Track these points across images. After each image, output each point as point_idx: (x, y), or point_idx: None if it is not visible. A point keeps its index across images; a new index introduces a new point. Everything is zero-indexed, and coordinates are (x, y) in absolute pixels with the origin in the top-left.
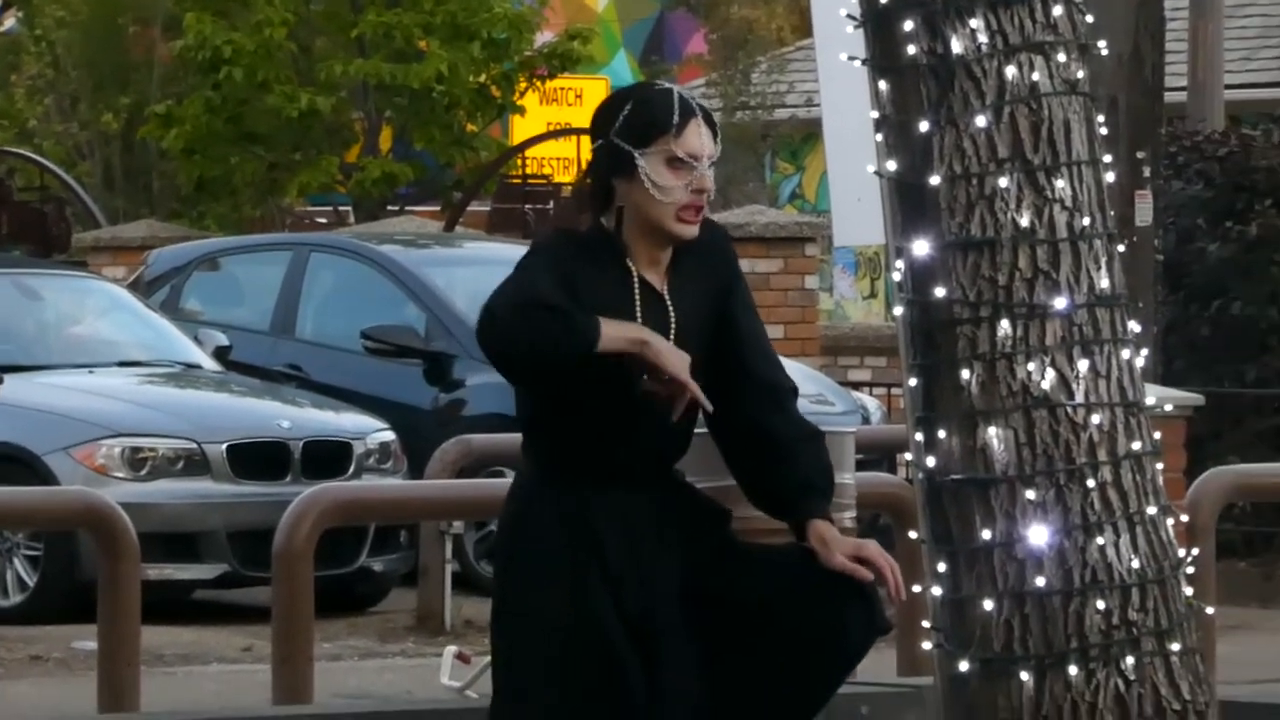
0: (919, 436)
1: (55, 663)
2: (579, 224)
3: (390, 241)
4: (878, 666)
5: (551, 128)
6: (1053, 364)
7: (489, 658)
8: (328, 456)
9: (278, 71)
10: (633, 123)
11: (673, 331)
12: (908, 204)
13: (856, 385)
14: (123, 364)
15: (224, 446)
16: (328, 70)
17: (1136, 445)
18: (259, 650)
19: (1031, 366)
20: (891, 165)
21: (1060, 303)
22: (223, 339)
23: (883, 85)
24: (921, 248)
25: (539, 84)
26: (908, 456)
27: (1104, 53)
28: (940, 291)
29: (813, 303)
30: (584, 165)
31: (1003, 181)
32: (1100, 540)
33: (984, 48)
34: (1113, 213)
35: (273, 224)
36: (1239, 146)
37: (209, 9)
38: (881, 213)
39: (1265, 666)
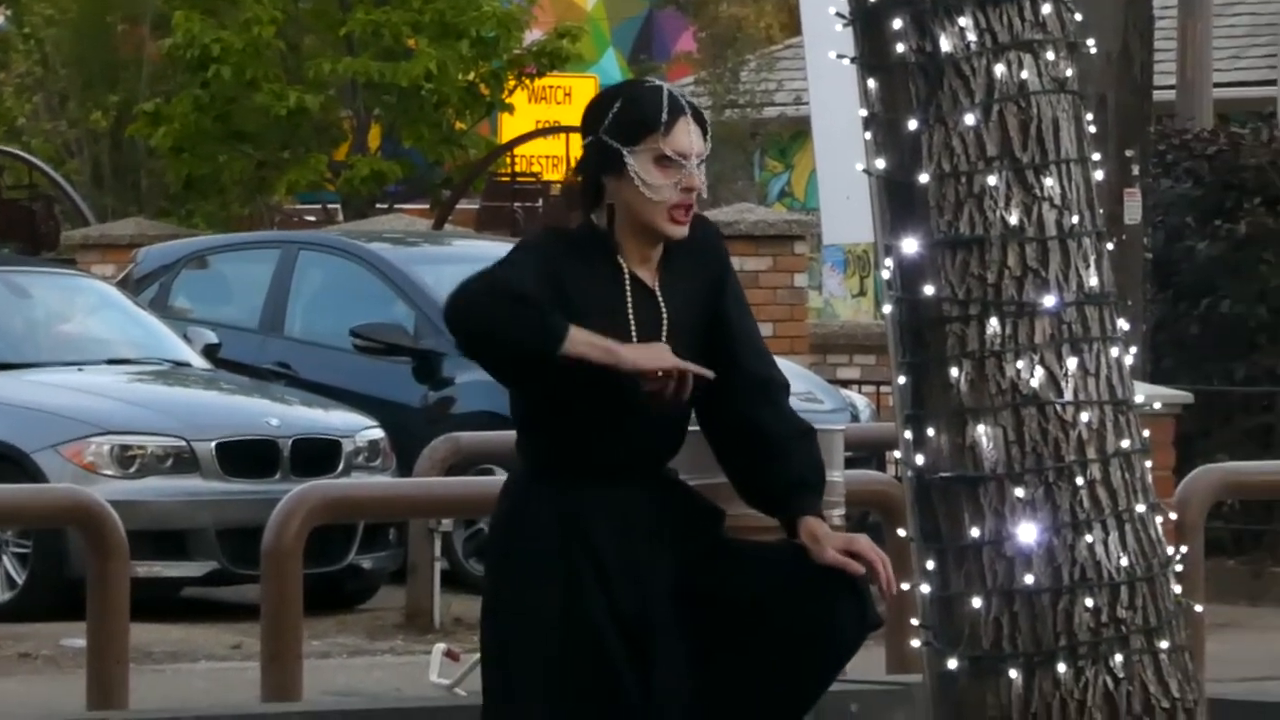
0: (908, 434)
1: (44, 660)
2: (569, 222)
3: (379, 239)
4: (867, 664)
5: (540, 126)
6: (1042, 362)
7: (478, 655)
8: (317, 454)
9: (266, 70)
10: (622, 121)
11: (665, 328)
12: (896, 202)
13: (845, 383)
14: (112, 362)
15: (213, 444)
16: (316, 68)
17: (1125, 443)
18: (248, 648)
19: (1020, 364)
20: (880, 163)
21: (1049, 301)
22: (212, 337)
23: (871, 83)
24: (910, 246)
25: (528, 82)
26: (897, 454)
27: (1093, 51)
28: (929, 289)
29: (802, 301)
30: (574, 163)
31: (991, 179)
32: (1089, 538)
33: (973, 46)
34: (1101, 211)
35: (261, 222)
36: (1228, 145)
37: (198, 7)
38: (870, 211)
39: (1254, 664)
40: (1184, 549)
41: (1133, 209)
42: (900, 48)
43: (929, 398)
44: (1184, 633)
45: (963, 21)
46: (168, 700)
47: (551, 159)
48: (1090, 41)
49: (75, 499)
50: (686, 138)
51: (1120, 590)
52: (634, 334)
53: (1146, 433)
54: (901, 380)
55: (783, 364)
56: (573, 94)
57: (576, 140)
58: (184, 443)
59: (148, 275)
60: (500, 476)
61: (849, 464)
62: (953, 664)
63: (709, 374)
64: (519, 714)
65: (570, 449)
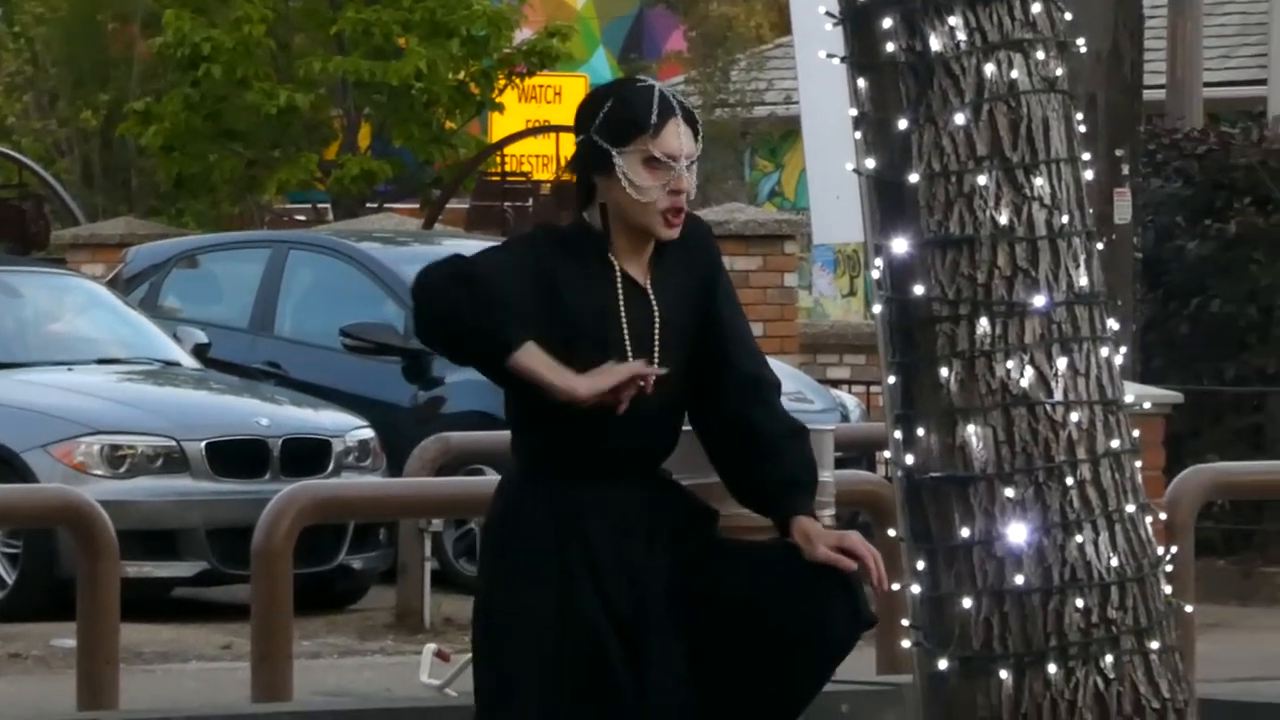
0: (898, 434)
1: (34, 660)
2: (559, 221)
3: (369, 239)
4: (857, 665)
5: (530, 125)
6: (1032, 362)
7: (469, 655)
8: (307, 454)
9: (257, 68)
10: (611, 121)
11: (657, 326)
12: (886, 202)
13: (835, 383)
14: (102, 361)
15: (203, 444)
16: (306, 67)
17: (1115, 443)
18: (238, 648)
19: (1010, 364)
20: (870, 163)
21: (1039, 300)
22: (202, 336)
23: (861, 83)
24: (900, 245)
25: (518, 81)
26: (887, 454)
27: (1083, 50)
28: (919, 289)
29: (792, 300)
30: (564, 162)
31: (981, 179)
32: (1079, 538)
33: (963, 45)
34: (1091, 210)
35: (251, 221)
36: (1218, 144)
37: (188, 6)
38: (860, 210)
39: (1244, 664)
40: (1174, 549)
41: (1123, 208)
42: (890, 47)
43: (919, 398)
44: (1174, 633)
45: (953, 21)
46: (158, 701)
47: (542, 158)
48: (1080, 41)
49: (65, 499)
50: (676, 139)
51: (1110, 590)
52: (625, 332)
53: (1136, 433)
54: (891, 380)
55: (773, 364)
56: (563, 93)
57: (567, 139)
58: (174, 442)
59: (138, 275)
60: (490, 477)
61: (839, 464)
62: (943, 664)
63: (662, 370)
64: (514, 714)
65: (565, 449)
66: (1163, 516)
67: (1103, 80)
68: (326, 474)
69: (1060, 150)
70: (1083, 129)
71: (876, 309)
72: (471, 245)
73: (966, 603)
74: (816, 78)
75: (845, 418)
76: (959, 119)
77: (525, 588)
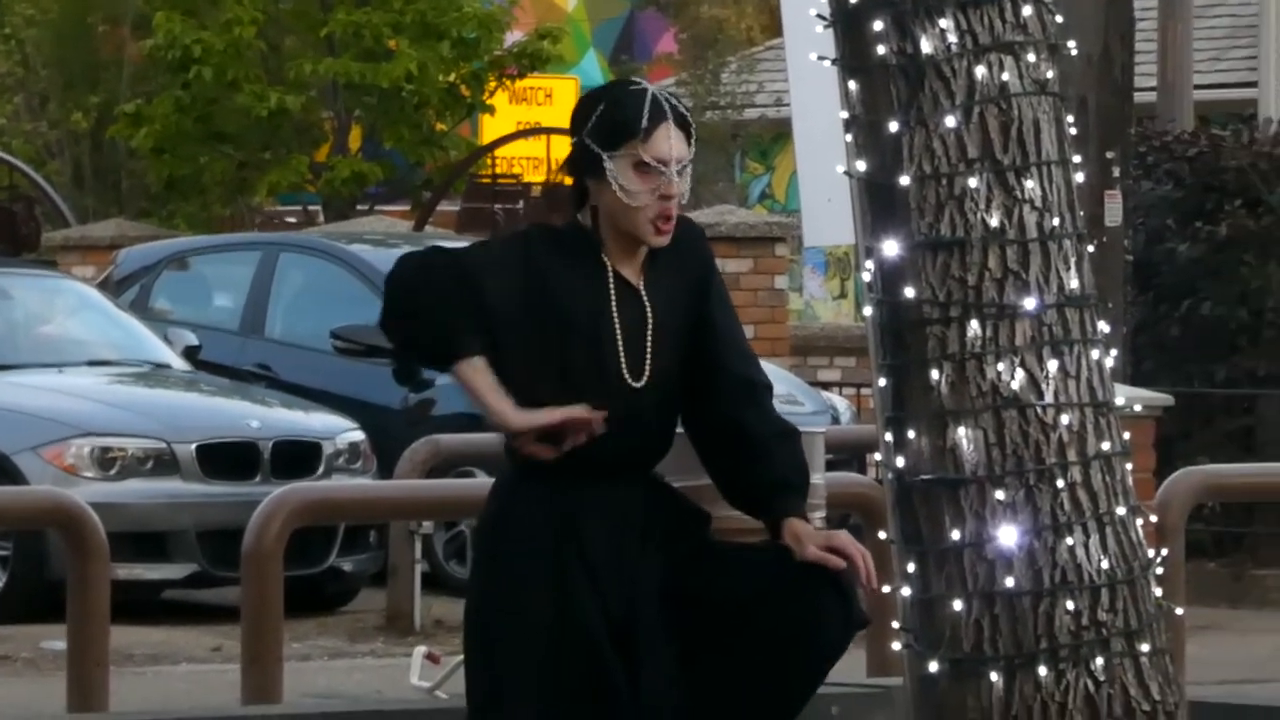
0: (888, 437)
1: (24, 662)
2: (552, 221)
3: (360, 241)
4: (847, 667)
5: (521, 127)
6: (1022, 364)
7: (459, 658)
8: (297, 456)
9: (247, 70)
10: (602, 125)
11: (649, 327)
12: (877, 204)
13: (826, 385)
14: (92, 363)
15: (193, 446)
16: (297, 69)
17: (1106, 446)
18: (228, 650)
19: (1001, 367)
20: (861, 165)
21: (1030, 303)
22: (192, 338)
23: (852, 85)
24: (891, 248)
25: (508, 83)
26: (877, 456)
27: (1073, 53)
28: (910, 292)
29: (782, 303)
30: (555, 164)
31: (972, 182)
32: (1070, 541)
33: (954, 48)
34: (1082, 213)
35: (242, 223)
36: (1208, 147)
37: (178, 8)
38: (851, 213)
39: (1234, 667)
40: (1164, 551)
41: (1113, 211)
42: (881, 49)
43: (910, 400)
44: (1165, 635)
45: (943, 23)
46: (148, 703)
47: (532, 160)
48: (1071, 43)
49: (55, 501)
50: (666, 144)
51: (1101, 593)
52: (618, 333)
53: (1127, 435)
54: (882, 382)
55: (763, 366)
56: (554, 95)
57: (558, 142)
58: (164, 445)
59: (128, 277)
60: (481, 479)
61: (829, 466)
62: (933, 667)
63: (598, 418)
64: (506, 716)
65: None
66: (1153, 519)
67: (1093, 83)
68: (317, 476)
69: (1051, 153)
70: (1073, 131)
71: (867, 311)
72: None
73: (957, 605)
74: (807, 80)
75: (836, 420)
76: (950, 121)
77: (520, 589)
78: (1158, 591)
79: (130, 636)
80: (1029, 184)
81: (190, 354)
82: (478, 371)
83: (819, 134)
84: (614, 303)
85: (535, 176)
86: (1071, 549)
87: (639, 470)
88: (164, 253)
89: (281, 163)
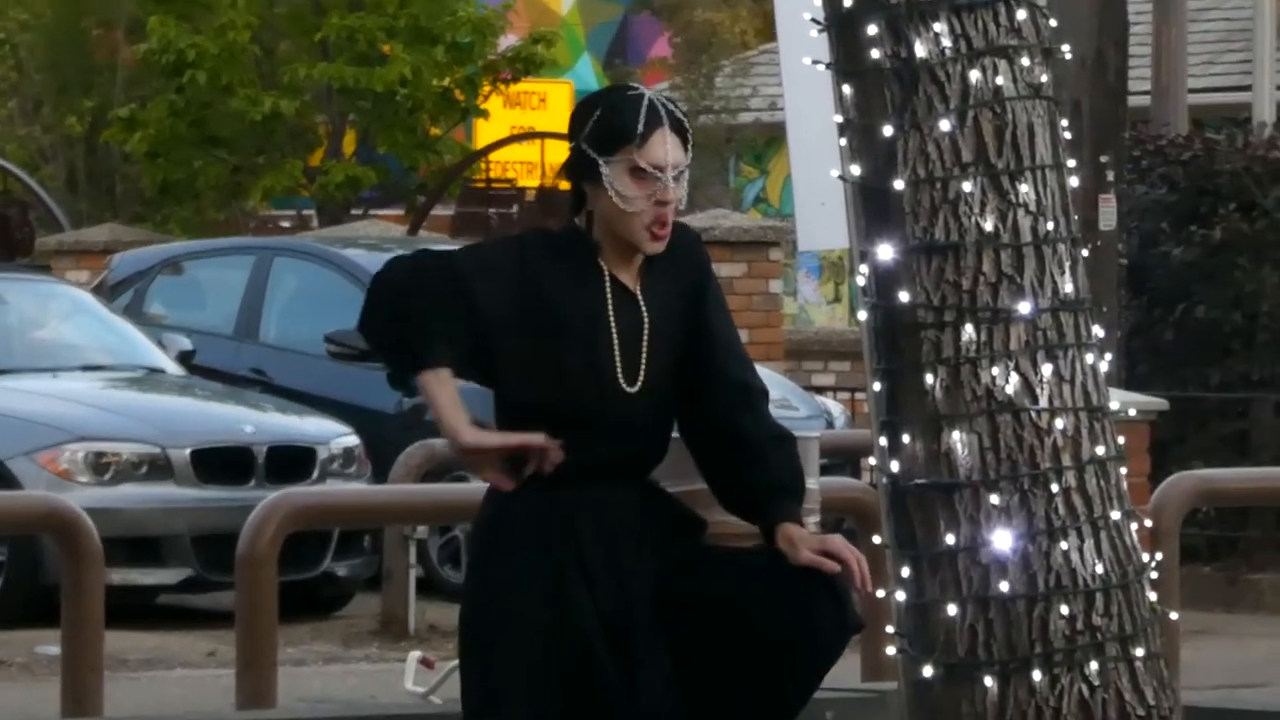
0: (883, 441)
1: (18, 668)
2: (547, 225)
3: (354, 245)
4: (842, 672)
5: (515, 131)
6: (1017, 368)
7: (453, 663)
8: (291, 461)
9: (241, 75)
10: (599, 130)
11: (646, 332)
12: (872, 208)
13: (820, 389)
14: (86, 368)
15: (188, 451)
16: (291, 73)
17: (1100, 450)
18: (223, 655)
19: (995, 371)
20: (855, 169)
21: (1024, 307)
22: (186, 343)
23: (846, 89)
24: (885, 252)
25: (502, 87)
26: (872, 461)
27: (1067, 57)
28: (904, 296)
29: (776, 307)
30: (549, 168)
31: (966, 186)
32: (1064, 545)
33: (948, 52)
34: (1076, 217)
35: (236, 228)
36: (1202, 150)
37: (172, 12)
38: (846, 217)
39: (1229, 671)
40: (1159, 556)
41: (1107, 215)
42: (875, 53)
43: (904, 404)
44: (1159, 640)
45: (938, 27)
46: (142, 708)
47: (526, 165)
48: (1065, 47)
49: (50, 506)
50: (662, 150)
51: (1095, 597)
52: (615, 338)
53: (1121, 439)
54: (876, 387)
55: (758, 370)
56: (548, 99)
57: (552, 146)
58: (159, 449)
59: (122, 281)
60: (475, 484)
61: (824, 471)
62: (928, 671)
63: (555, 446)
64: (508, 717)
65: None
66: (1148, 523)
67: (1087, 86)
68: (311, 481)
69: (1045, 157)
70: (1068, 135)
71: (861, 315)
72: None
73: (951, 609)
74: (801, 84)
75: (830, 424)
76: (944, 125)
77: (515, 593)
78: (1152, 596)
79: (125, 641)
80: (1023, 188)
81: (184, 359)
82: (441, 383)
83: (813, 138)
84: (610, 307)
85: (529, 181)
86: (1066, 553)
87: (634, 475)
88: (158, 257)
89: (275, 167)
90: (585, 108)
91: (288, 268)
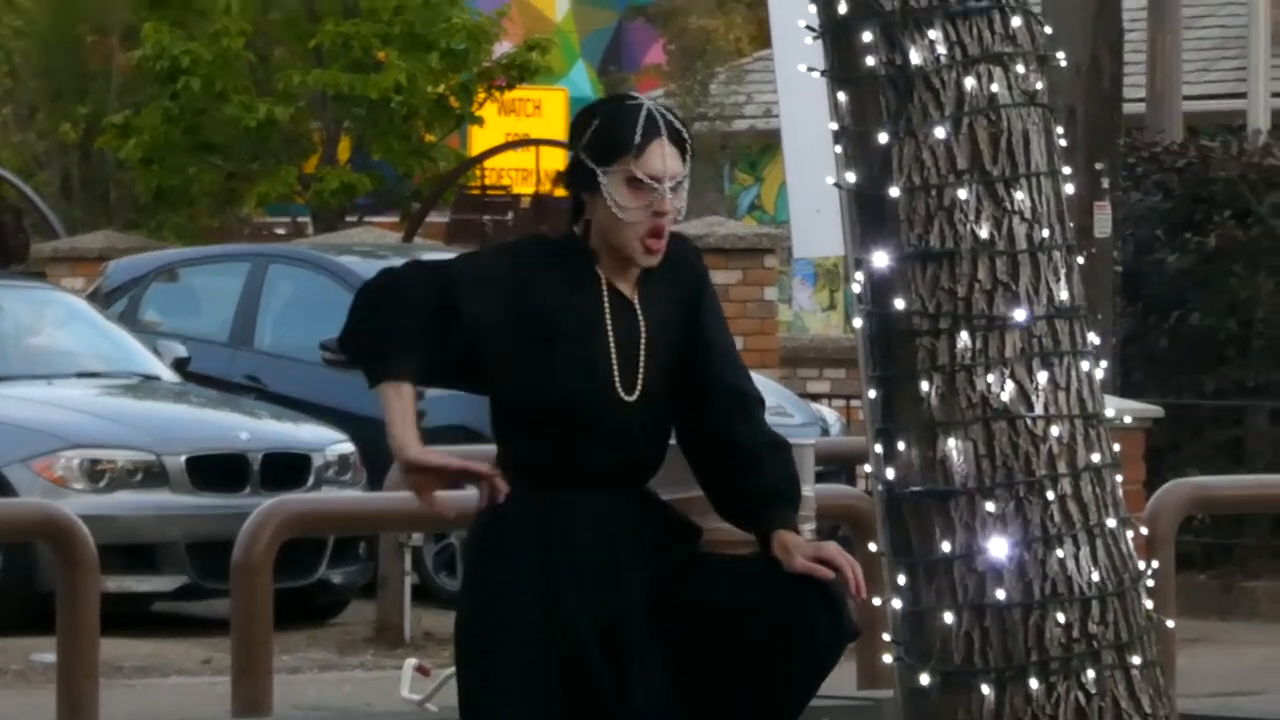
0: (878, 448)
1: (14, 675)
2: (541, 232)
3: (349, 252)
4: (838, 680)
5: (510, 138)
6: (1012, 376)
7: (449, 670)
8: (287, 468)
9: (236, 81)
10: (597, 140)
11: (643, 340)
12: (867, 215)
13: (815, 397)
14: (81, 375)
15: (183, 458)
16: (286, 80)
17: (1096, 457)
18: (218, 662)
19: (991, 378)
20: (850, 176)
21: (1019, 314)
22: (181, 350)
23: (841, 96)
24: (881, 259)
25: (497, 94)
26: (867, 468)
27: (1062, 63)
28: (899, 303)
29: (771, 314)
30: (544, 175)
31: (962, 193)
32: (1060, 553)
33: (943, 59)
34: (1071, 224)
35: (231, 234)
36: (1197, 158)
37: (167, 19)
38: (841, 224)
39: (1225, 679)
40: (1155, 563)
41: (1103, 222)
42: (870, 60)
43: (899, 411)
44: (1155, 648)
45: (932, 34)
46: (138, 715)
47: (521, 171)
48: (1060, 54)
49: (45, 513)
50: (660, 160)
51: (1091, 605)
52: (612, 345)
53: (1117, 447)
54: (872, 394)
55: (753, 377)
56: (542, 106)
57: (546, 153)
58: (154, 457)
59: (117, 288)
60: (471, 491)
61: (819, 478)
62: (924, 679)
63: (496, 476)
64: None
65: (551, 461)
66: (1143, 531)
67: (1082, 93)
68: (306, 488)
69: (1040, 164)
70: (1063, 142)
71: (857, 323)
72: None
73: (947, 617)
74: (796, 91)
75: (825, 432)
76: (939, 132)
77: (510, 598)
78: (1148, 604)
79: (120, 649)
80: (1018, 195)
81: (179, 365)
82: (399, 396)
83: (808, 145)
84: (608, 316)
85: (524, 187)
86: (1062, 561)
87: (631, 483)
88: (153, 264)
89: (270, 174)
90: (584, 117)
91: (283, 274)
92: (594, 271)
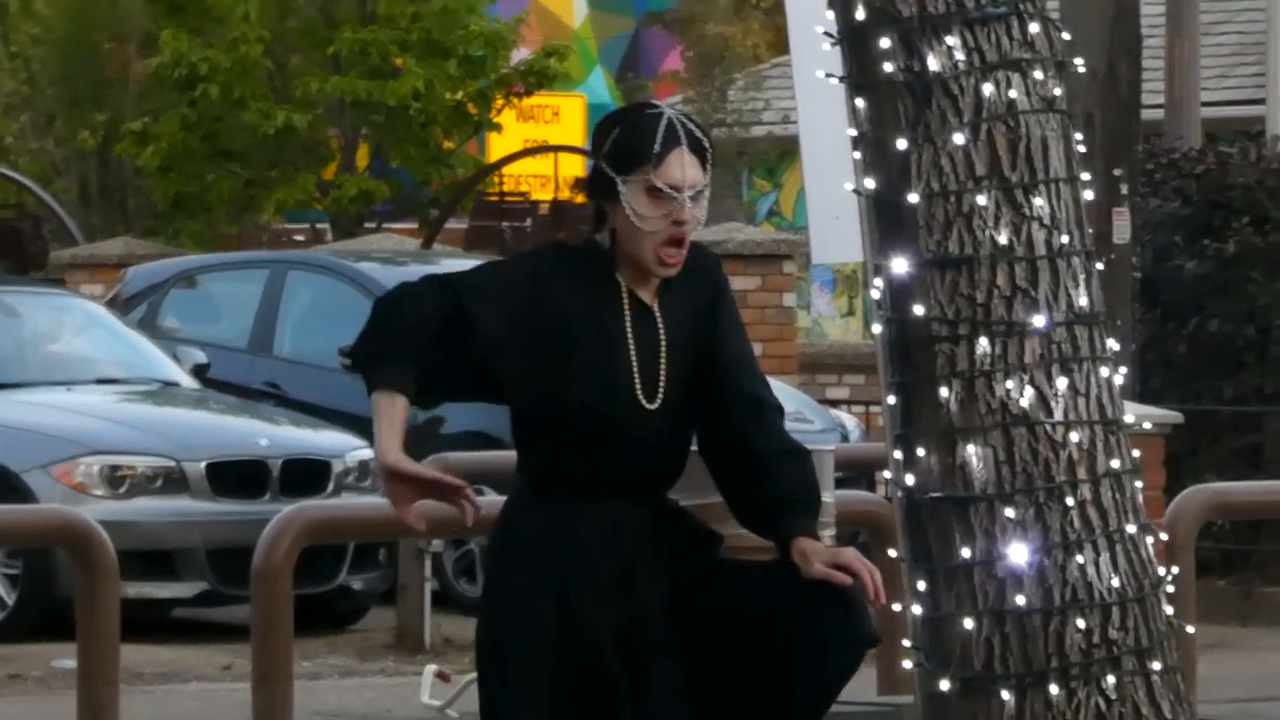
0: (898, 454)
1: (34, 681)
2: (559, 238)
3: (368, 259)
4: (858, 686)
5: (528, 145)
6: (1031, 382)
7: (469, 676)
8: (306, 474)
9: (254, 88)
10: (617, 149)
11: (663, 347)
12: (885, 221)
13: (835, 403)
14: (101, 381)
15: (203, 464)
16: (304, 87)
17: (1115, 463)
18: (238, 669)
19: (1010, 384)
20: (869, 183)
21: (1039, 320)
22: (201, 356)
23: (860, 103)
24: (900, 265)
25: (515, 101)
26: (886, 474)
27: (1080, 70)
28: (919, 309)
29: (790, 320)
30: (562, 181)
31: (981, 199)
32: (1080, 559)
33: (961, 65)
34: (1090, 230)
35: (249, 241)
36: (1215, 164)
37: (185, 26)
38: (859, 230)
39: (1244, 685)
40: (1174, 569)
41: (1121, 228)
42: (888, 67)
43: (919, 417)
44: (1175, 654)
45: (950, 40)
46: None
47: (540, 178)
48: (1078, 60)
49: (65, 519)
50: (679, 170)
51: (1112, 611)
52: (632, 352)
53: (1136, 453)
54: (891, 400)
55: (772, 384)
56: (560, 113)
57: (565, 159)
58: (174, 463)
59: (136, 295)
60: (490, 497)
61: (838, 484)
62: (944, 685)
63: (469, 491)
64: None
65: (570, 467)
66: (1163, 537)
67: (1100, 99)
68: (326, 494)
69: (1059, 170)
70: (1081, 149)
71: (876, 329)
72: (469, 265)
73: (967, 623)
74: (814, 97)
75: (845, 438)
76: (958, 139)
77: (530, 605)
78: (1168, 609)
79: (140, 655)
80: (1037, 201)
81: (199, 372)
82: (391, 404)
83: (826, 151)
84: (629, 323)
85: (543, 194)
86: (1082, 567)
87: (651, 490)
88: (172, 271)
89: (288, 181)
90: (606, 125)
91: (302, 281)
92: (615, 279)
